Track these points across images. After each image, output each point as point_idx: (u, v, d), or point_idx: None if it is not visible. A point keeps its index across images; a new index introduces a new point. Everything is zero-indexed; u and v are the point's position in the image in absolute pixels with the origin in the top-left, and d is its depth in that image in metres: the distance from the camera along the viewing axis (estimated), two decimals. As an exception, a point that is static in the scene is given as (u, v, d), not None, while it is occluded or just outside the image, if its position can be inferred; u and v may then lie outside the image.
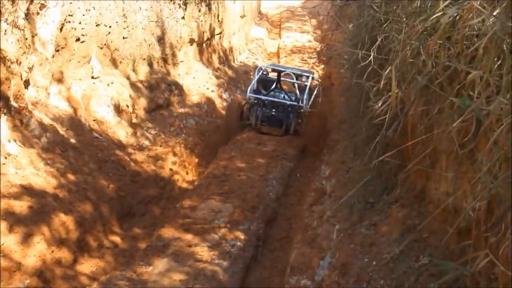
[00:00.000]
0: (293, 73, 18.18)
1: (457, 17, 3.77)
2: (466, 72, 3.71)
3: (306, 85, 17.50)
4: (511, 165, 3.03)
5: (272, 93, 17.58)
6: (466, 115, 3.39)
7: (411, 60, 4.54)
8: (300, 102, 17.03)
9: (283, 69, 18.60)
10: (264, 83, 18.22)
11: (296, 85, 17.83)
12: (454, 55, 4.00)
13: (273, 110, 17.04)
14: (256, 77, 17.85)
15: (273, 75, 18.71)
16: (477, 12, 3.47)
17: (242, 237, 10.23)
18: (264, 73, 18.42)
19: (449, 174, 4.79)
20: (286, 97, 17.44)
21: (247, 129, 17.21)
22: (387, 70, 4.72)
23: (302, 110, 17.07)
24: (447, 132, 4.10)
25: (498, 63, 3.31)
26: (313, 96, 17.43)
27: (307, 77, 18.04)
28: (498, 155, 3.10)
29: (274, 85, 17.70)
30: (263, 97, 17.09)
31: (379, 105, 5.12)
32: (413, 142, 5.49)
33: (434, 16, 3.88)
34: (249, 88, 17.43)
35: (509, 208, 2.93)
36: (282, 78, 17.91)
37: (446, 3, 3.80)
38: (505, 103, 2.99)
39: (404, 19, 5.31)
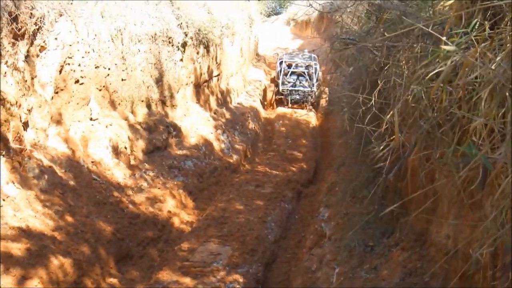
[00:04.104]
0: (304, 63, 28.71)
1: (459, 64, 3.79)
2: (469, 118, 3.72)
3: (313, 73, 27.99)
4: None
5: (293, 79, 28.14)
6: (472, 164, 3.39)
7: (412, 105, 4.55)
8: (311, 86, 27.63)
9: (296, 60, 29.05)
10: (285, 70, 28.29)
11: (305, 71, 28.25)
12: (455, 101, 4.01)
13: (298, 95, 27.57)
14: (281, 71, 28.17)
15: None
16: (480, 59, 3.49)
17: (241, 280, 10.16)
18: (285, 67, 28.41)
19: (452, 221, 4.77)
20: (302, 82, 28.03)
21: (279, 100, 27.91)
22: (389, 115, 4.73)
23: (314, 92, 27.31)
24: (451, 179, 4.10)
25: (502, 110, 3.32)
26: (318, 77, 27.68)
27: (313, 65, 28.27)
28: (504, 203, 3.09)
29: (290, 71, 28.28)
30: (290, 88, 27.72)
31: (380, 149, 5.11)
32: (413, 186, 5.48)
33: (438, 65, 3.89)
34: (280, 81, 27.90)
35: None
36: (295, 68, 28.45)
37: (448, 49, 3.82)
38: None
39: (404, 63, 5.33)
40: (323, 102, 26.54)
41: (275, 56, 34.92)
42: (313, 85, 27.63)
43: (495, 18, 3.88)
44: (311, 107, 27.35)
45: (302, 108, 26.93)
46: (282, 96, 27.80)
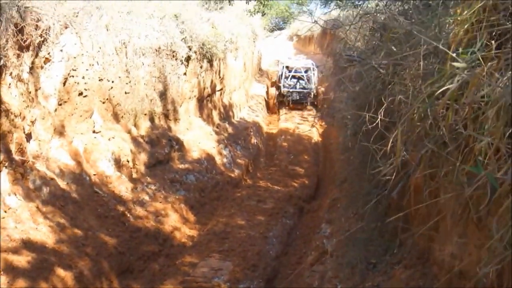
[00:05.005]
0: (303, 67, 32.09)
1: (465, 82, 3.79)
2: (474, 137, 3.72)
3: (311, 76, 31.47)
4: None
5: (293, 82, 31.62)
6: (478, 182, 3.39)
7: (418, 123, 4.55)
8: (310, 87, 31.21)
9: (296, 66, 32.33)
10: (286, 74, 31.72)
11: (304, 75, 31.63)
12: (461, 120, 4.01)
13: (298, 96, 31.18)
14: (283, 75, 31.68)
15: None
16: (486, 78, 3.50)
17: (242, 296, 10.14)
18: (286, 71, 31.84)
19: (456, 238, 4.76)
20: (302, 84, 31.53)
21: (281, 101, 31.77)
22: (394, 133, 4.73)
23: (312, 92, 31.06)
24: (455, 198, 4.09)
25: (509, 130, 3.32)
26: (316, 80, 31.47)
27: (311, 69, 31.69)
28: (511, 222, 3.09)
29: (291, 75, 31.76)
30: (291, 90, 31.21)
31: (385, 167, 5.10)
32: (416, 203, 5.46)
33: (444, 84, 3.89)
34: (282, 84, 31.51)
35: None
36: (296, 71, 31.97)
37: (457, 65, 3.82)
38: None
39: (410, 82, 5.33)
40: (320, 101, 29.58)
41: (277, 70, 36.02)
42: (311, 87, 31.43)
43: (501, 38, 3.89)
44: (310, 106, 31.12)
45: (302, 108, 31.02)
46: (283, 98, 31.66)
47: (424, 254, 6.65)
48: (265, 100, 32.34)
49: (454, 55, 3.89)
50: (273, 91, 32.80)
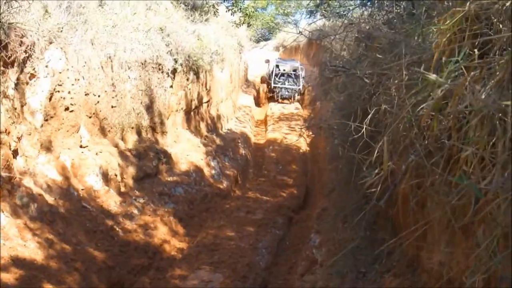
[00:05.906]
0: (291, 67, 35.95)
1: (449, 92, 3.81)
2: (459, 147, 3.73)
3: (299, 74, 35.34)
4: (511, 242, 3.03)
5: (282, 78, 35.43)
6: (462, 192, 3.41)
7: (403, 133, 4.57)
8: (298, 84, 35.03)
9: (285, 63, 36.57)
10: (276, 71, 35.48)
11: (292, 73, 35.51)
12: (446, 130, 4.03)
13: (287, 91, 34.79)
14: (273, 72, 35.56)
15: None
16: (469, 88, 3.52)
17: (233, 307, 10.11)
18: (276, 69, 35.78)
19: (443, 247, 4.77)
20: (290, 81, 35.19)
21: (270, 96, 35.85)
22: (380, 143, 4.75)
23: (299, 90, 34.88)
24: (442, 207, 4.10)
25: (493, 140, 3.34)
26: (303, 79, 35.23)
27: (299, 69, 35.60)
28: (496, 231, 3.10)
29: (280, 73, 35.74)
30: (281, 86, 34.96)
31: (372, 177, 5.11)
32: (404, 212, 5.48)
33: (427, 93, 3.91)
34: (272, 80, 35.33)
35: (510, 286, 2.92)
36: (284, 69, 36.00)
37: (435, 79, 3.84)
38: (502, 182, 3.00)
39: (394, 92, 5.35)
40: (306, 98, 33.84)
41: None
42: (298, 84, 35.23)
43: (484, 48, 3.92)
44: (297, 102, 34.67)
45: (290, 103, 34.40)
46: (273, 93, 35.43)
47: (413, 263, 6.66)
48: (255, 93, 36.47)
49: (438, 65, 3.92)
50: (263, 86, 36.99)
